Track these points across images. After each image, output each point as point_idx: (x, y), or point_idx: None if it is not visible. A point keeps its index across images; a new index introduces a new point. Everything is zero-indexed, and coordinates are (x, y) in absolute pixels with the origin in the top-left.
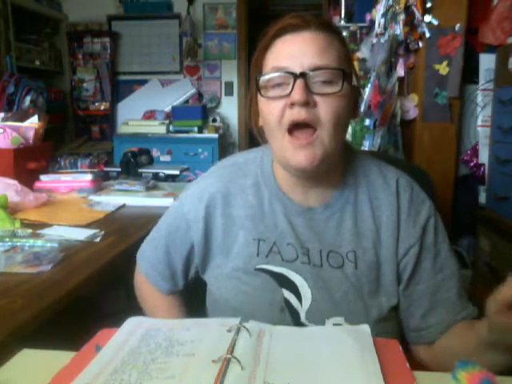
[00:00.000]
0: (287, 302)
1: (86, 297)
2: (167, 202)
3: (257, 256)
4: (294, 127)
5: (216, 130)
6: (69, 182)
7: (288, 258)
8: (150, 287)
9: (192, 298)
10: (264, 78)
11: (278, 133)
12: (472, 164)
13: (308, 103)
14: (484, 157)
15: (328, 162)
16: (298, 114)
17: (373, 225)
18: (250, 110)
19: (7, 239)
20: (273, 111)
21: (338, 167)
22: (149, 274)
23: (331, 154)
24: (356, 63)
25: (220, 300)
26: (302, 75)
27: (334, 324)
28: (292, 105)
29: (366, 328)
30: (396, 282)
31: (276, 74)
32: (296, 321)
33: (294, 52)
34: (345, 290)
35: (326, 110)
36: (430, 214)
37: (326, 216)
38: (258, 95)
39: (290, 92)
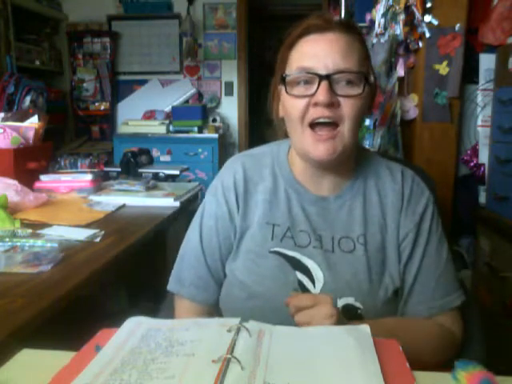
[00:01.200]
0: (301, 283)
1: (86, 297)
2: (167, 202)
3: (271, 240)
4: (316, 123)
5: (216, 129)
6: (69, 182)
7: (301, 243)
8: (197, 308)
9: None
10: (290, 77)
11: (300, 127)
12: (472, 164)
13: (332, 104)
14: (484, 157)
15: (346, 155)
16: (322, 113)
17: (380, 211)
18: (271, 101)
19: (7, 239)
20: (296, 107)
21: (351, 160)
22: (195, 296)
23: (349, 148)
24: None
25: (234, 281)
26: (327, 77)
27: (345, 304)
28: (316, 104)
29: (366, 328)
30: (398, 264)
31: (302, 75)
32: None
33: (318, 52)
34: (355, 271)
35: (348, 110)
36: (428, 203)
37: (338, 205)
38: (283, 90)
39: (315, 92)
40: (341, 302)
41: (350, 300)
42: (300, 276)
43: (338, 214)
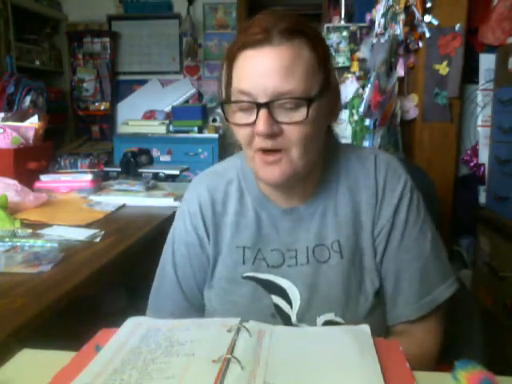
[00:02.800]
0: (277, 307)
1: (86, 297)
2: (167, 202)
3: (243, 263)
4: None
5: (216, 130)
6: (69, 182)
7: (273, 263)
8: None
9: None
10: (229, 106)
11: (249, 151)
12: (472, 164)
13: (273, 134)
14: (484, 157)
15: (299, 175)
16: (264, 144)
17: (352, 211)
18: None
19: (7, 239)
20: (241, 136)
21: (316, 168)
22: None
23: (302, 170)
24: (356, 63)
25: (211, 310)
26: (266, 105)
27: (325, 321)
28: (257, 134)
29: (366, 328)
30: (374, 260)
31: (240, 102)
32: (288, 324)
33: (254, 73)
34: (331, 284)
35: (292, 136)
36: (404, 192)
37: (310, 213)
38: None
39: (255, 121)
40: (320, 320)
41: (330, 316)
42: (276, 299)
43: (311, 223)
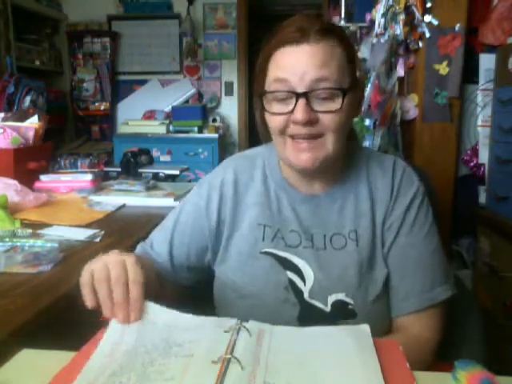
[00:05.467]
0: (291, 282)
1: None
2: (167, 201)
3: (262, 240)
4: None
5: (216, 129)
6: (69, 182)
7: (291, 243)
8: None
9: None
10: (267, 95)
11: (281, 139)
12: (472, 164)
13: (310, 121)
14: (484, 157)
15: (330, 161)
16: (300, 130)
17: (370, 205)
18: (256, 113)
19: (7, 239)
20: (276, 123)
21: (340, 161)
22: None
23: (333, 156)
24: None
25: (227, 282)
26: (304, 95)
27: (336, 300)
28: (294, 122)
29: (366, 328)
30: (382, 249)
31: (278, 92)
32: (300, 299)
33: (294, 64)
34: (345, 266)
35: (327, 124)
36: (416, 195)
37: (329, 202)
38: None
39: (293, 110)
40: (331, 299)
41: (341, 296)
42: (291, 275)
43: (330, 212)
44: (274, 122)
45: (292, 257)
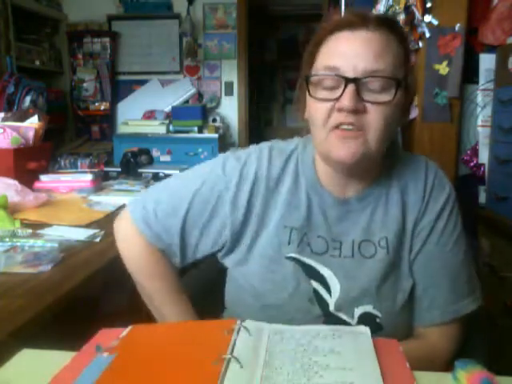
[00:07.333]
0: (316, 293)
1: (86, 297)
2: None
3: (288, 244)
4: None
5: (216, 130)
6: (69, 182)
7: (317, 250)
8: (145, 243)
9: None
10: (314, 78)
11: (323, 131)
12: (472, 164)
13: (357, 110)
14: (484, 157)
15: (369, 161)
16: (345, 118)
17: (400, 210)
18: (297, 100)
19: (7, 239)
20: (319, 112)
21: (377, 166)
22: (156, 242)
23: (373, 155)
24: None
25: (246, 286)
26: (354, 80)
27: (363, 312)
28: (340, 109)
29: (365, 329)
30: (408, 256)
31: (327, 76)
32: (325, 311)
33: (347, 51)
34: (373, 277)
35: (375, 117)
36: (447, 201)
37: (361, 207)
38: (306, 92)
39: (340, 96)
40: (358, 311)
41: (368, 308)
42: (315, 285)
43: (360, 217)
44: (317, 110)
45: (317, 265)
